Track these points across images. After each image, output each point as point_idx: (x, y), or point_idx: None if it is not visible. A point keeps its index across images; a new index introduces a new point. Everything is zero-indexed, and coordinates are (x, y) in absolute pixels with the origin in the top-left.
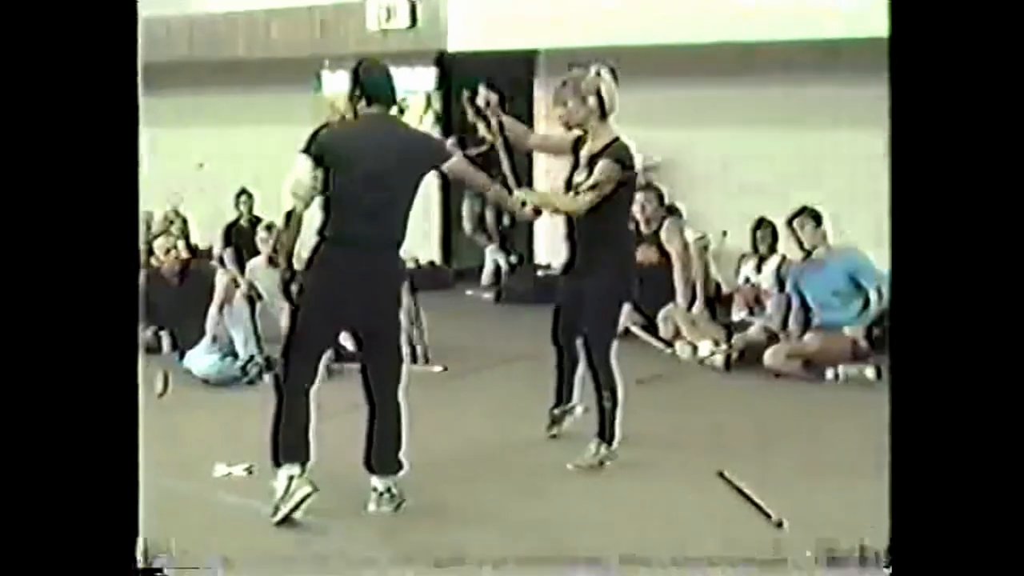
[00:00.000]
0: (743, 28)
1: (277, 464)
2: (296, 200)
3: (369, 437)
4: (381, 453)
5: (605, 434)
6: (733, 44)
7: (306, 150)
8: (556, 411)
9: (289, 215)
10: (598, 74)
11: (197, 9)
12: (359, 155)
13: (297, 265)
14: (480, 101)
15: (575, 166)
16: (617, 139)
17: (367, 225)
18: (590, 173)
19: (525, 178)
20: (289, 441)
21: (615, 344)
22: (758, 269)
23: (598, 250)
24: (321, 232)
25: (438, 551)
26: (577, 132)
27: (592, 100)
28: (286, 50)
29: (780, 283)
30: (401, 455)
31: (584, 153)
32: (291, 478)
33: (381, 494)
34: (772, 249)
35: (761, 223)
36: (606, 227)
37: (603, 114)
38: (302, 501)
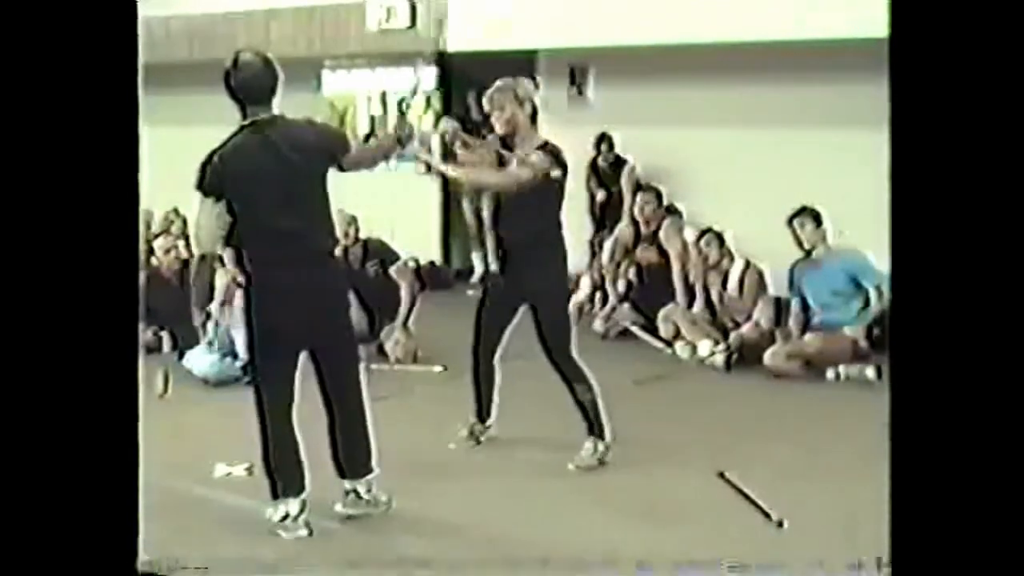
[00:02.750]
0: (743, 28)
1: (275, 497)
2: (205, 245)
3: (333, 443)
4: (351, 457)
5: (595, 429)
6: (733, 44)
7: (201, 188)
8: (477, 427)
9: (203, 258)
10: (521, 83)
11: (197, 9)
12: (256, 180)
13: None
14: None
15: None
16: (547, 142)
17: (289, 248)
18: None
19: None
20: (284, 473)
21: (575, 341)
22: (723, 283)
23: (538, 251)
24: (250, 259)
25: (438, 551)
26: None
27: (528, 106)
28: (286, 50)
29: (740, 288)
30: (372, 459)
31: (517, 157)
32: (287, 515)
33: (347, 494)
34: (730, 256)
35: (705, 231)
36: (543, 226)
37: (534, 120)
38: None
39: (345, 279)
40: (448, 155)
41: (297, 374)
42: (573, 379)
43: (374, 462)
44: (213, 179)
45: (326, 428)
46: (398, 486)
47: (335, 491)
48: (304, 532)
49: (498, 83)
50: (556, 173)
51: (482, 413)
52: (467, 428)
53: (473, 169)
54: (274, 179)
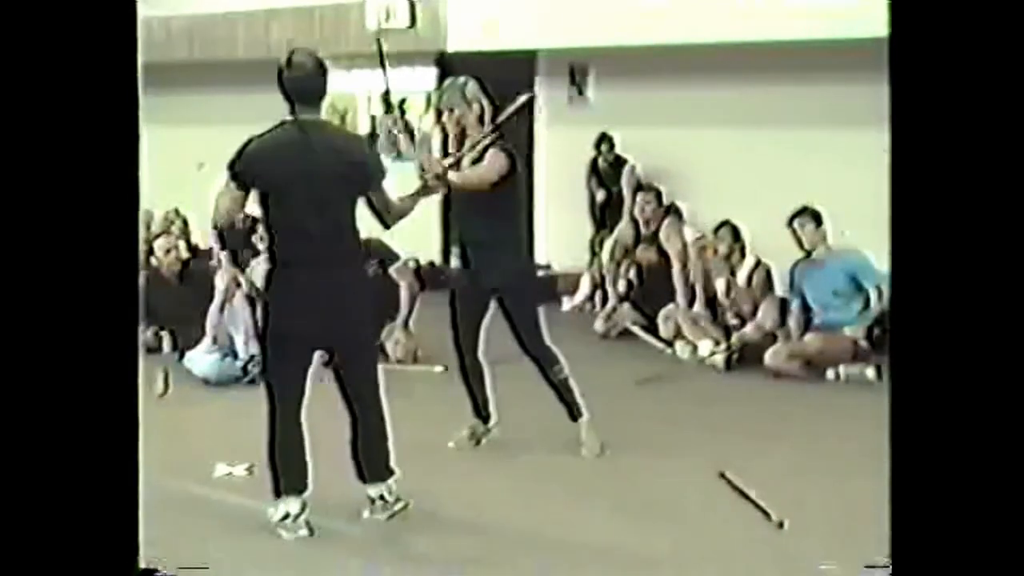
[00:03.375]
0: (743, 28)
1: (277, 496)
2: (217, 216)
3: (354, 447)
4: (371, 461)
5: (573, 410)
6: (733, 44)
7: (232, 174)
8: (479, 428)
9: (219, 231)
10: (479, 83)
11: (197, 9)
12: (287, 176)
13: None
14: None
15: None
16: (495, 139)
17: (316, 248)
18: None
19: (525, 182)
20: (288, 470)
21: (545, 326)
22: (732, 276)
23: (496, 248)
24: (271, 256)
25: (437, 552)
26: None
27: (476, 106)
28: (286, 50)
29: (749, 286)
30: (391, 460)
31: (467, 157)
32: (287, 515)
33: (374, 501)
34: (741, 252)
35: (721, 225)
36: (499, 223)
37: (482, 120)
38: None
39: (368, 281)
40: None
41: (310, 373)
42: (546, 362)
43: (394, 464)
44: (243, 164)
45: (347, 431)
46: (398, 485)
47: (336, 491)
48: (304, 532)
49: (446, 83)
50: (508, 167)
51: (479, 411)
52: (468, 428)
53: (458, 174)
54: (306, 179)
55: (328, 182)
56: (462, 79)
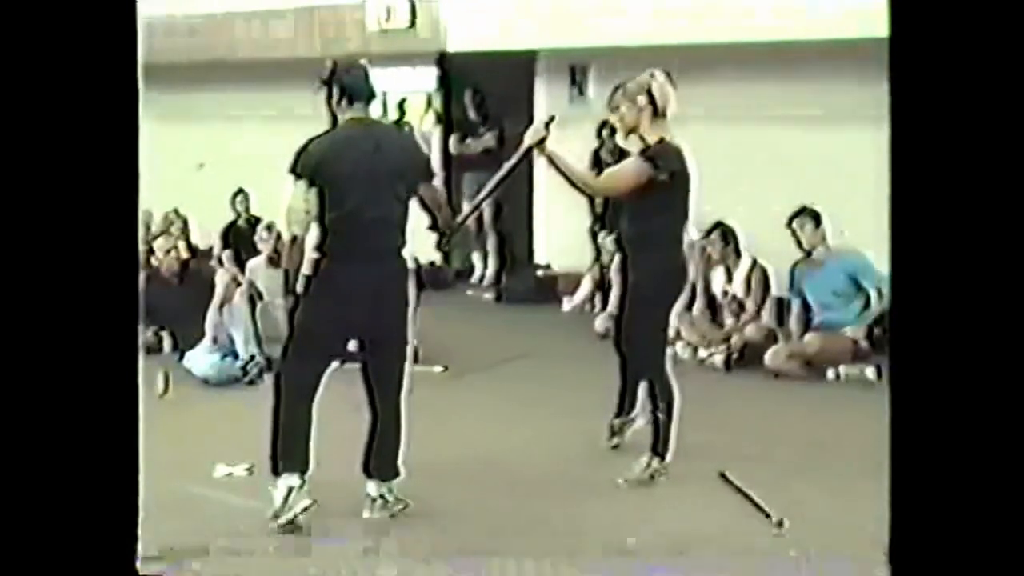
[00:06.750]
0: (743, 28)
1: (276, 473)
2: (294, 227)
3: (369, 441)
4: (380, 458)
5: (658, 447)
6: (732, 44)
7: (294, 172)
8: (616, 421)
9: (293, 240)
10: (652, 76)
11: (197, 9)
12: (352, 171)
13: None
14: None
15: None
16: (662, 139)
17: (368, 239)
18: None
19: (525, 181)
20: (289, 450)
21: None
22: (729, 278)
23: (642, 253)
24: (320, 248)
25: (434, 551)
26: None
27: (642, 99)
28: (286, 50)
29: (748, 288)
30: (399, 461)
31: (634, 151)
32: (290, 489)
33: (374, 500)
34: (736, 253)
35: (713, 228)
36: (648, 229)
37: (655, 112)
38: (301, 512)
39: (407, 279)
40: None
41: (331, 365)
42: (658, 395)
43: (401, 466)
44: (305, 165)
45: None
46: (398, 485)
47: (336, 491)
48: (308, 501)
49: (618, 82)
50: (651, 175)
51: (622, 409)
52: (607, 429)
53: (578, 169)
54: (367, 173)
55: (388, 176)
56: (643, 75)
